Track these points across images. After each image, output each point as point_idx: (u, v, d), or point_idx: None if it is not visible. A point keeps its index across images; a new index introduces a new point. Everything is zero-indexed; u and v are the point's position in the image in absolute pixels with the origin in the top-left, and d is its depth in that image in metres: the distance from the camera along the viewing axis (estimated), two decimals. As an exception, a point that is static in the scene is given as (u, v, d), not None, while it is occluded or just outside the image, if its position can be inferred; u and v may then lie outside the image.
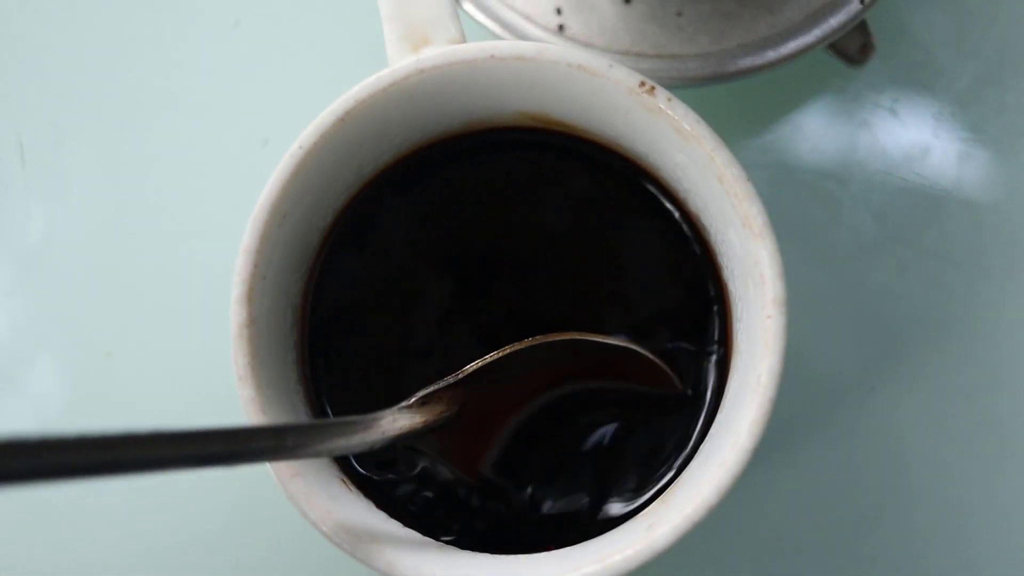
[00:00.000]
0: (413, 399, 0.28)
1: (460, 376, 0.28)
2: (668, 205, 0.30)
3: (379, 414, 0.27)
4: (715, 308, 0.30)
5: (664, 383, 0.30)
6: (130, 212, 0.39)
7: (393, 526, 0.28)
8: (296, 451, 0.24)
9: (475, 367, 0.28)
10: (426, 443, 0.29)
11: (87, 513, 0.37)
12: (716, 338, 0.30)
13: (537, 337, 0.29)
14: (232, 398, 0.28)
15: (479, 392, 0.29)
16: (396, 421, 0.27)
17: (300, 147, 0.28)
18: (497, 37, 0.34)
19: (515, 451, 0.30)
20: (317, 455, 0.25)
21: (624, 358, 0.30)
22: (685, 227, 0.30)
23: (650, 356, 0.29)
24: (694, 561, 0.36)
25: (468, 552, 0.28)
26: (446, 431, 0.29)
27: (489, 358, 0.28)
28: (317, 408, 0.30)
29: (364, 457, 0.30)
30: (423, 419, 0.28)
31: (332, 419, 0.30)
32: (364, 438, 0.26)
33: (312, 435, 0.25)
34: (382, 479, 0.30)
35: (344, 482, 0.29)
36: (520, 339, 0.29)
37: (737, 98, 0.38)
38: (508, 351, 0.28)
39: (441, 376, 0.28)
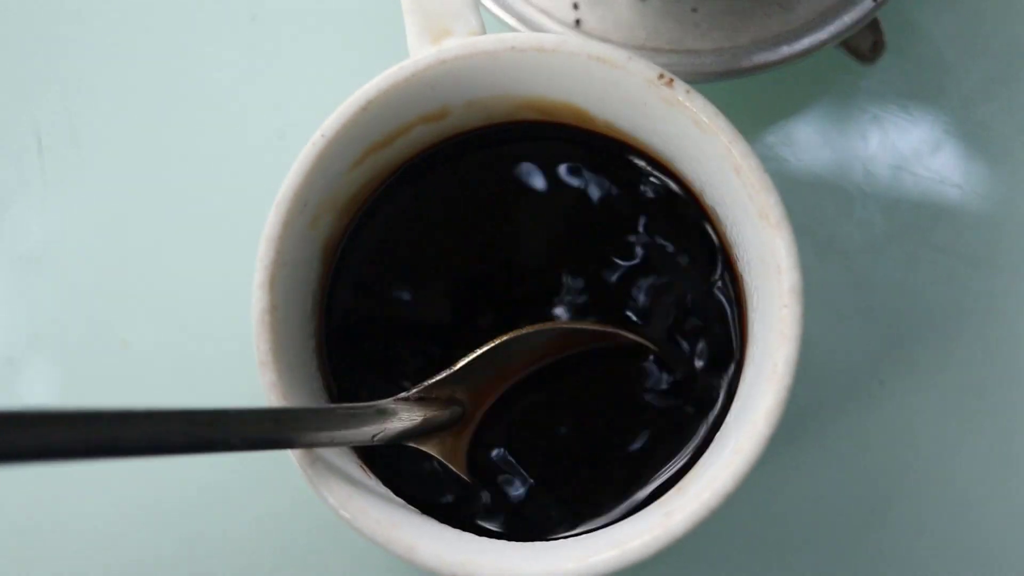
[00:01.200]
0: (412, 392, 0.28)
1: (455, 369, 0.29)
2: (685, 197, 0.31)
3: (380, 404, 0.27)
4: (731, 298, 0.30)
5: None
6: (148, 204, 0.39)
7: (411, 512, 0.28)
8: (292, 437, 0.24)
9: (468, 360, 0.29)
10: (429, 444, 0.29)
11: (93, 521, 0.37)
12: (732, 328, 0.30)
13: (524, 328, 0.29)
14: (250, 390, 0.28)
15: (476, 387, 0.29)
16: (396, 416, 0.27)
17: (323, 135, 0.28)
18: (515, 31, 0.34)
19: (520, 448, 0.30)
20: (313, 444, 0.25)
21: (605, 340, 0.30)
22: (701, 219, 0.31)
23: (632, 336, 0.30)
24: (705, 553, 0.36)
25: (487, 538, 0.28)
26: (447, 432, 0.29)
27: (479, 351, 0.29)
28: (335, 397, 0.30)
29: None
30: (422, 415, 0.28)
31: (333, 405, 0.30)
32: (364, 430, 0.26)
33: (309, 420, 0.25)
34: (401, 468, 0.30)
35: (363, 468, 0.29)
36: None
37: (750, 93, 0.38)
38: (496, 343, 0.29)
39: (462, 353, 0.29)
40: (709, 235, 0.30)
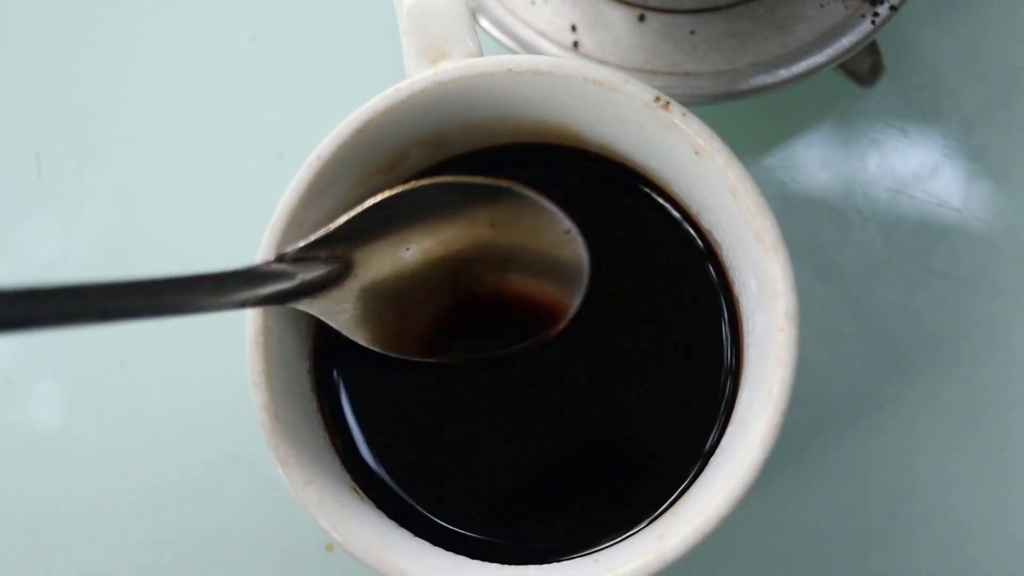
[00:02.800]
0: (288, 251, 0.28)
1: (331, 228, 0.28)
2: (681, 219, 0.31)
3: (254, 267, 0.27)
4: (727, 321, 0.30)
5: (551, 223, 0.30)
6: (146, 224, 0.39)
7: (404, 535, 0.28)
8: (147, 306, 0.24)
9: (345, 219, 0.28)
10: (308, 304, 0.28)
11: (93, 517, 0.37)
12: (728, 351, 0.30)
13: (410, 182, 0.29)
14: (246, 410, 0.28)
15: (364, 252, 0.29)
16: (272, 278, 0.27)
17: (318, 156, 0.28)
18: (512, 53, 0.35)
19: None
20: (174, 311, 0.24)
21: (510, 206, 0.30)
22: (698, 241, 0.30)
23: (534, 194, 0.29)
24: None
25: (479, 562, 0.28)
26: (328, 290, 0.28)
27: (358, 209, 0.28)
28: (331, 416, 0.30)
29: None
30: (300, 275, 0.27)
31: (191, 273, 0.27)
32: (237, 296, 0.26)
33: (163, 289, 0.24)
34: (392, 488, 0.30)
35: (356, 491, 0.29)
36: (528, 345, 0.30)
37: (749, 116, 0.39)
38: (378, 199, 0.28)
39: (458, 386, 0.29)
40: (705, 257, 0.30)
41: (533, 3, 0.35)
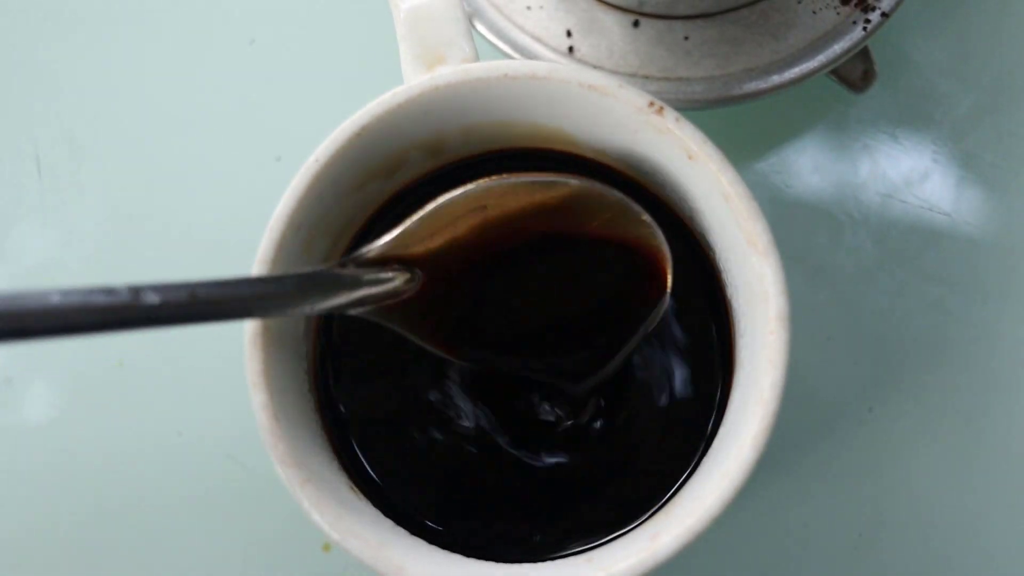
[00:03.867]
0: (351, 256, 0.27)
1: (396, 233, 0.27)
2: (674, 223, 0.31)
3: (316, 271, 0.26)
4: (719, 324, 0.30)
5: (642, 239, 0.29)
6: (144, 226, 0.40)
7: (401, 534, 0.29)
8: (210, 309, 0.23)
9: (411, 221, 0.27)
10: (388, 316, 0.28)
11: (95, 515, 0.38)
12: (719, 354, 0.30)
13: (482, 180, 0.28)
14: (244, 409, 0.28)
15: (434, 255, 0.28)
16: (341, 286, 0.26)
17: (316, 160, 0.28)
18: (508, 58, 0.35)
19: (497, 321, 0.29)
20: (242, 314, 0.24)
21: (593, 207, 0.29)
22: (691, 245, 0.31)
23: (602, 187, 0.28)
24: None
25: (474, 560, 0.28)
26: (409, 301, 0.28)
27: (423, 211, 0.27)
28: (329, 415, 0.31)
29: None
30: (372, 285, 0.27)
31: (256, 276, 0.27)
32: (301, 300, 0.25)
33: (228, 289, 0.23)
34: (389, 487, 0.30)
35: (353, 490, 0.29)
36: (524, 357, 0.30)
37: (741, 121, 0.39)
38: (441, 201, 0.28)
39: (455, 387, 0.29)
40: (698, 261, 0.31)
41: (529, 8, 0.35)
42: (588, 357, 0.30)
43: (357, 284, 0.26)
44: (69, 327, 0.20)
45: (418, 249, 0.28)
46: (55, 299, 0.20)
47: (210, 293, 0.23)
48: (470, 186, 0.28)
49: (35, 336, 0.20)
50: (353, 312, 0.27)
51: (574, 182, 0.28)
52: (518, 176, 0.29)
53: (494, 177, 0.28)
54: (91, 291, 0.21)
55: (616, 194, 0.29)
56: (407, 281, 0.28)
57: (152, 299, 0.21)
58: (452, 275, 0.29)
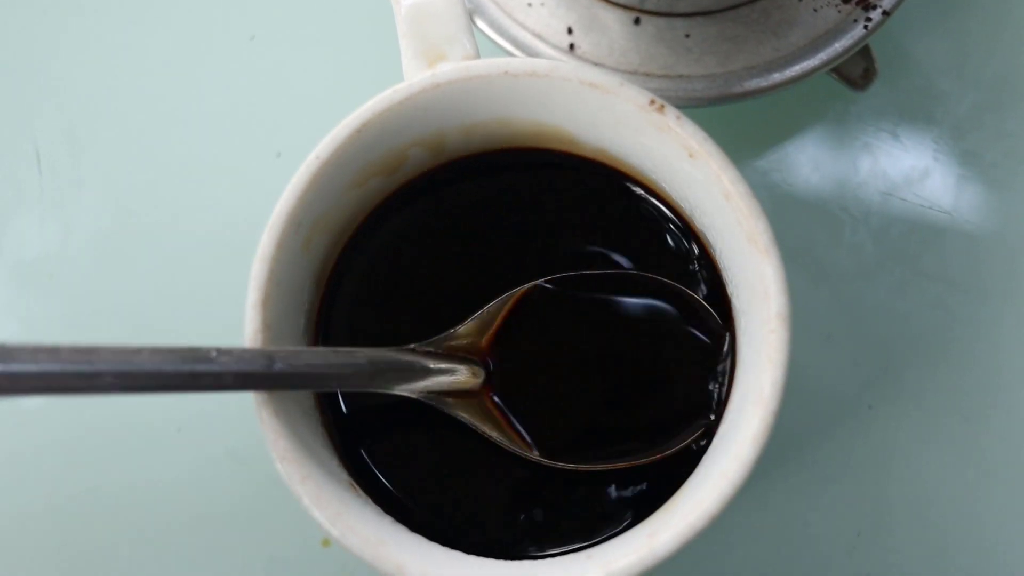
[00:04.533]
0: (431, 341, 0.28)
1: (467, 324, 0.28)
2: (675, 221, 0.31)
3: (400, 356, 0.28)
4: (719, 322, 0.30)
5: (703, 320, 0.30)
6: (145, 221, 0.39)
7: (400, 531, 0.29)
8: (281, 377, 0.24)
9: (489, 317, 0.29)
10: (460, 407, 0.29)
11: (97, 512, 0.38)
12: (720, 351, 0.30)
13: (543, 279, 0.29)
14: (245, 406, 0.28)
15: (507, 352, 0.29)
16: (415, 373, 0.27)
17: (317, 157, 0.28)
18: (509, 55, 0.35)
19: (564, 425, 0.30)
20: (308, 386, 0.25)
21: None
22: (692, 243, 0.31)
23: (677, 286, 0.30)
24: (689, 574, 0.36)
25: (474, 556, 0.28)
26: (471, 392, 0.29)
27: (503, 311, 0.29)
28: (329, 411, 0.31)
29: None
30: (447, 374, 0.28)
31: (340, 349, 0.28)
32: (378, 378, 0.26)
33: (303, 358, 0.25)
34: (389, 483, 0.30)
35: (353, 486, 0.29)
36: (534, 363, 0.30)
37: (742, 119, 0.39)
38: (521, 291, 0.29)
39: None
40: (699, 259, 0.31)
41: (530, 5, 0.35)
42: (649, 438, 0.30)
43: (427, 373, 0.28)
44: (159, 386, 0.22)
45: (480, 345, 0.29)
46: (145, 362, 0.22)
47: (285, 368, 0.25)
48: (537, 284, 0.29)
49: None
50: (419, 398, 0.28)
51: (649, 277, 0.30)
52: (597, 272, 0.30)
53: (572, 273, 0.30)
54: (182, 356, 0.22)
55: (689, 294, 0.30)
56: (474, 374, 0.29)
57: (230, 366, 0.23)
58: (520, 375, 0.30)
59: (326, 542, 0.37)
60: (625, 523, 0.29)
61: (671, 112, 0.28)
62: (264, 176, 0.39)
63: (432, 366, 0.28)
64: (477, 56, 0.30)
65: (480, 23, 0.35)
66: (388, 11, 0.30)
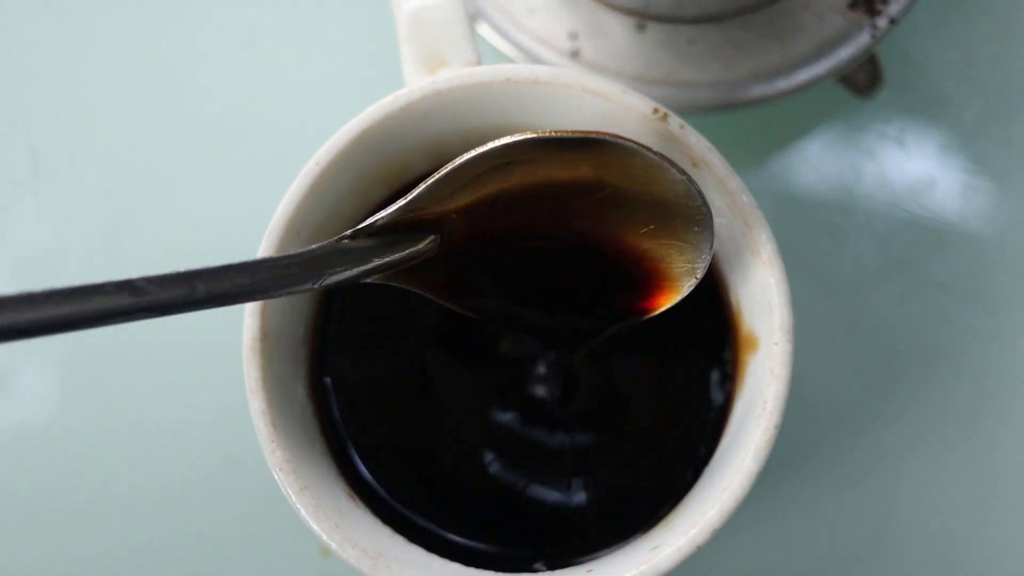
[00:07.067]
0: (360, 227, 0.26)
1: (411, 197, 0.26)
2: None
3: (323, 248, 0.25)
4: (722, 333, 0.30)
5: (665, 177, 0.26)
6: (141, 223, 0.39)
7: (399, 542, 0.28)
8: (210, 296, 0.24)
9: (424, 186, 0.26)
10: (403, 280, 0.27)
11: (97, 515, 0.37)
12: (722, 363, 0.30)
13: (505, 138, 0.26)
14: (242, 412, 0.28)
15: (457, 213, 0.27)
16: (352, 257, 0.25)
17: (316, 164, 0.28)
18: (512, 61, 0.35)
19: (514, 278, 0.29)
20: (242, 298, 0.24)
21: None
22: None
23: (635, 144, 0.26)
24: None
25: (473, 569, 0.28)
26: (425, 264, 0.27)
27: (439, 173, 0.26)
28: (327, 422, 0.30)
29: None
30: (379, 255, 0.26)
31: (260, 259, 0.25)
32: (295, 279, 0.24)
33: (225, 277, 0.24)
34: (387, 494, 0.30)
35: (352, 497, 0.29)
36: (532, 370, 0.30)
37: (746, 126, 0.39)
38: (459, 161, 0.26)
39: (455, 394, 0.28)
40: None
41: (532, 10, 0.35)
42: (595, 320, 0.29)
43: (367, 257, 0.25)
44: (72, 323, 0.22)
45: (435, 210, 0.27)
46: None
47: (210, 287, 0.24)
48: (492, 144, 0.26)
49: (36, 335, 0.21)
50: (367, 280, 0.26)
51: (608, 138, 0.26)
52: (543, 133, 0.27)
53: (517, 134, 0.26)
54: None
55: (650, 153, 0.26)
56: (424, 244, 0.26)
57: (155, 293, 0.23)
58: (473, 235, 0.27)
59: (324, 552, 0.36)
60: (626, 537, 0.29)
61: (674, 121, 0.28)
62: (263, 179, 0.39)
63: (374, 247, 0.26)
64: (479, 62, 0.29)
65: (482, 28, 0.35)
66: (389, 16, 0.30)
